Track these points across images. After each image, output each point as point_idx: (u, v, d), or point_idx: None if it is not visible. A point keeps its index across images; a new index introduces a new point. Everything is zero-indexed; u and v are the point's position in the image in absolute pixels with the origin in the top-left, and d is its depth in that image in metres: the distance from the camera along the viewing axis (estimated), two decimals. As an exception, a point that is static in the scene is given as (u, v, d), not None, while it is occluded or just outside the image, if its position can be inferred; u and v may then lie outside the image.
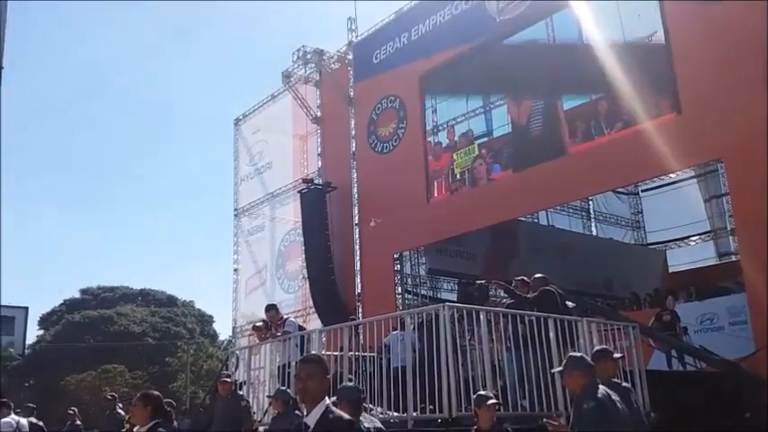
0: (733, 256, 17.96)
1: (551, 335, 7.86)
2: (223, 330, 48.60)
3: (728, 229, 19.06)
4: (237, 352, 11.33)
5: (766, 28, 11.17)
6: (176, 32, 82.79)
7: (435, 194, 17.74)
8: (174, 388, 34.17)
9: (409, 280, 19.26)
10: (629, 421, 4.78)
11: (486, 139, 16.90)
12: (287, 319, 9.94)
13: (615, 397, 4.77)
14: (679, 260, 21.31)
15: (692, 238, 21.39)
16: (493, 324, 7.97)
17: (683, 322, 12.46)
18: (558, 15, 15.43)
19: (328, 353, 8.50)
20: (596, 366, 6.18)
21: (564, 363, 5.05)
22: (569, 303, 8.83)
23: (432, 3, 18.38)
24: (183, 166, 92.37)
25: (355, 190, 19.90)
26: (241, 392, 9.02)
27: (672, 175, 18.26)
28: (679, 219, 20.97)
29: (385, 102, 19.35)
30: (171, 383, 35.52)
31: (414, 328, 8.29)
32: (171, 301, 46.60)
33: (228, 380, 8.90)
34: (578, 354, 5.39)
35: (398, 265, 18.66)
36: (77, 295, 45.38)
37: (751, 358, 10.76)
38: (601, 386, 4.74)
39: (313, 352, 7.73)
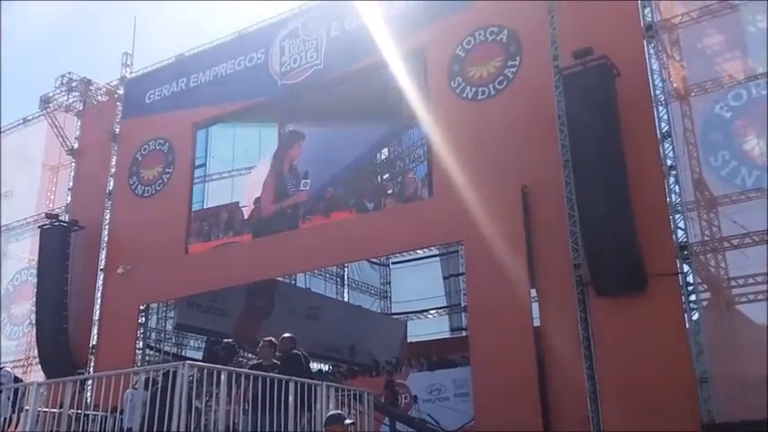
0: (463, 332, 19.74)
1: (290, 398, 7.94)
2: None
3: (462, 305, 20.98)
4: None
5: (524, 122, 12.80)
6: None
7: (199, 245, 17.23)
8: None
9: (153, 335, 18.23)
10: None
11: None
12: (2, 368, 8.83)
13: None
14: (417, 331, 22.87)
15: (431, 312, 23.18)
16: (234, 385, 7.84)
17: (414, 391, 13.32)
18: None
19: (46, 409, 7.70)
20: (328, 430, 6.36)
21: None
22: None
23: (215, 53, 18.30)
24: None
25: (106, 232, 18.57)
26: None
27: (419, 252, 19.79)
28: (421, 292, 22.68)
29: (153, 143, 18.58)
30: None
31: (149, 387, 7.85)
32: None
33: None
34: None
35: (143, 318, 17.57)
36: None
37: (466, 428, 11.78)
38: None
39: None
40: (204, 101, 17.81)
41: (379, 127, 15.44)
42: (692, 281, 10.96)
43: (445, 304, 22.93)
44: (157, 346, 18.35)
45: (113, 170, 19.13)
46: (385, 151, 15.48)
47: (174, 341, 19.11)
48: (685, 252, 10.96)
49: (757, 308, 12.47)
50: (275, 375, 7.96)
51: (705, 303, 11.93)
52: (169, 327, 18.76)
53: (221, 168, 17.49)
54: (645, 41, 12.00)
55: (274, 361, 8.46)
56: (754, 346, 12.07)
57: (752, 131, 12.16)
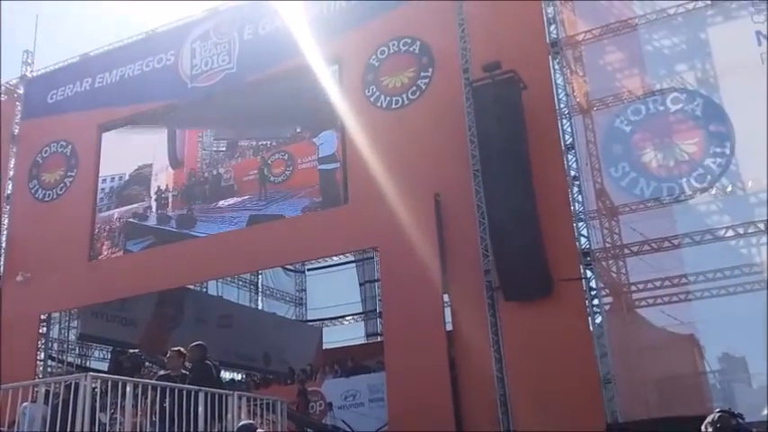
0: (378, 337, 19.88)
1: (200, 409, 7.79)
2: None
3: (377, 311, 21.12)
4: None
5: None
6: None
7: (103, 252, 16.63)
8: None
9: (56, 345, 17.42)
10: None
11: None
12: None
13: None
14: (333, 338, 22.83)
15: (347, 318, 23.19)
16: (140, 396, 7.62)
17: (329, 398, 13.29)
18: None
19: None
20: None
21: None
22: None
23: (122, 54, 17.76)
24: None
25: (4, 238, 17.62)
26: None
27: (335, 258, 19.79)
28: (337, 299, 22.67)
29: (55, 146, 17.82)
30: None
31: (49, 400, 7.50)
32: None
33: None
34: None
35: (45, 328, 16.75)
36: None
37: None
38: None
39: None
40: (110, 102, 17.28)
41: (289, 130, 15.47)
42: (594, 286, 11.47)
43: (361, 310, 23.00)
44: (60, 357, 17.56)
45: (12, 173, 18.27)
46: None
47: (77, 352, 18.34)
48: (588, 258, 11.47)
49: (656, 311, 13.22)
50: (183, 386, 7.78)
51: (608, 307, 12.51)
52: (72, 337, 17.97)
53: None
54: (550, 57, 12.52)
55: (183, 371, 8.26)
56: (652, 348, 12.79)
57: (650, 144, 12.89)
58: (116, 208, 16.74)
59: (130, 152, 16.94)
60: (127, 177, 16.90)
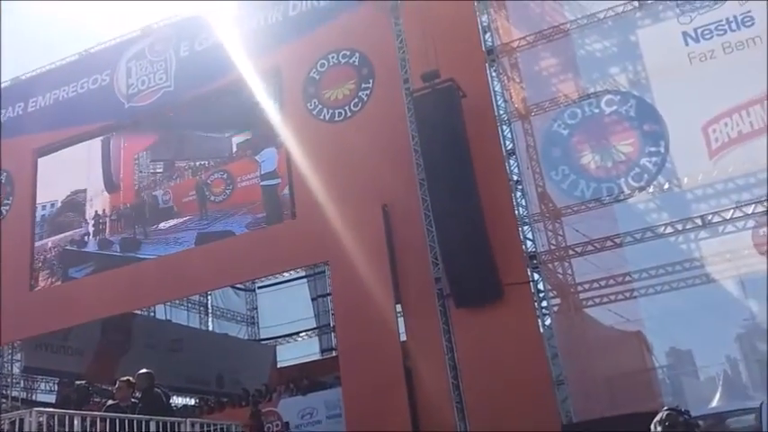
0: (333, 352, 19.72)
1: (152, 438, 7.61)
2: None
3: (331, 326, 20.95)
4: None
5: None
6: None
7: (39, 284, 16.10)
8: None
9: (-1, 380, 16.79)
10: None
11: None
12: None
13: None
14: (287, 355, 22.51)
15: (301, 335, 22.90)
16: (89, 429, 7.41)
17: (286, 418, 13.09)
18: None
19: None
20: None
21: None
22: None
23: (55, 76, 17.37)
24: None
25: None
26: None
27: (285, 274, 19.62)
28: (290, 315, 22.40)
29: (-11, 174, 17.24)
30: None
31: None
32: None
33: None
34: None
35: (-13, 363, 16.16)
36: None
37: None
38: None
39: None
40: (45, 126, 16.84)
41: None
42: (542, 288, 11.65)
43: (314, 326, 22.76)
44: (4, 392, 16.93)
45: (-54, 205, 17.52)
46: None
47: (22, 386, 17.67)
48: (535, 261, 11.66)
49: (603, 310, 13.51)
50: (133, 416, 7.58)
51: (556, 309, 12.69)
52: (16, 370, 17.33)
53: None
54: (487, 65, 12.73)
55: (133, 401, 8.05)
56: (602, 347, 13.05)
57: (587, 147, 13.18)
58: (49, 237, 16.30)
59: (62, 178, 16.52)
60: (59, 204, 16.49)
